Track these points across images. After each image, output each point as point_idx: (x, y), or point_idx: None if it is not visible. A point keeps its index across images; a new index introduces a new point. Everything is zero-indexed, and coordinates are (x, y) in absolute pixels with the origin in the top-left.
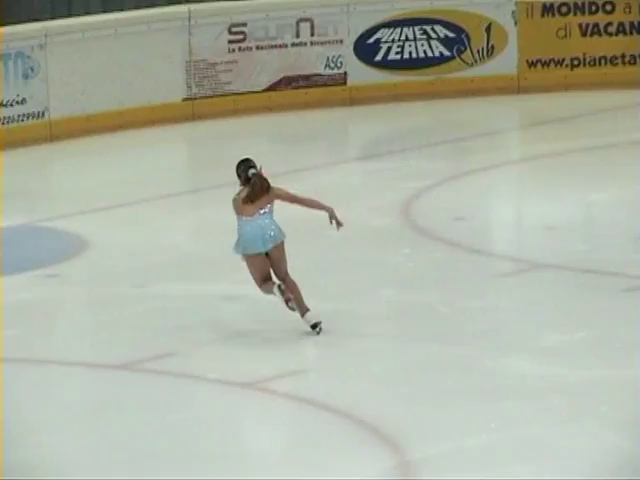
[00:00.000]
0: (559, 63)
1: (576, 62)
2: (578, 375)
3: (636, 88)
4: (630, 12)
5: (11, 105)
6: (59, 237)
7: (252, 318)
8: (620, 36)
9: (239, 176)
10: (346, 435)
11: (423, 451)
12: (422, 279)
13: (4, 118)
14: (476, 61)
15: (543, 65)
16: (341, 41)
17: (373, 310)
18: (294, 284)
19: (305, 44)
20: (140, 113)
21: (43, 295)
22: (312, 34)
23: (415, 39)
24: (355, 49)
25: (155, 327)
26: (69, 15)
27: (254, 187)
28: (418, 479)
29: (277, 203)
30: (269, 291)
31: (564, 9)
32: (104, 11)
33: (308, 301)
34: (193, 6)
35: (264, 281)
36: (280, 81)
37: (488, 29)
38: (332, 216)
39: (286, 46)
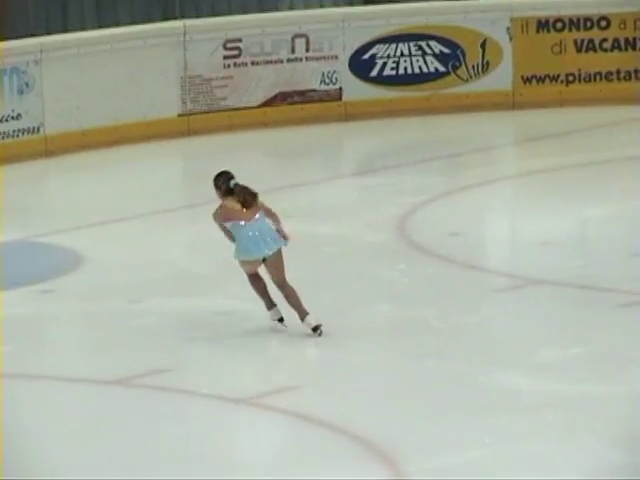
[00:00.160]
0: (554, 79)
1: (571, 78)
2: (573, 390)
3: (631, 104)
4: (625, 28)
5: (6, 120)
6: (54, 252)
7: (247, 333)
8: (615, 52)
9: (218, 188)
10: (341, 450)
11: (418, 466)
12: (417, 294)
13: None
14: (471, 77)
15: (538, 81)
16: (336, 57)
17: (368, 325)
18: (293, 290)
19: (300, 60)
20: (135, 128)
21: (38, 310)
22: (307, 50)
23: (410, 55)
24: (350, 65)
25: (150, 342)
26: (65, 30)
27: (244, 194)
28: None
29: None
30: (263, 298)
31: (559, 25)
32: (99, 27)
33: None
34: (188, 22)
35: (255, 277)
36: (275, 97)
37: (483, 45)
38: (283, 235)
39: (281, 62)
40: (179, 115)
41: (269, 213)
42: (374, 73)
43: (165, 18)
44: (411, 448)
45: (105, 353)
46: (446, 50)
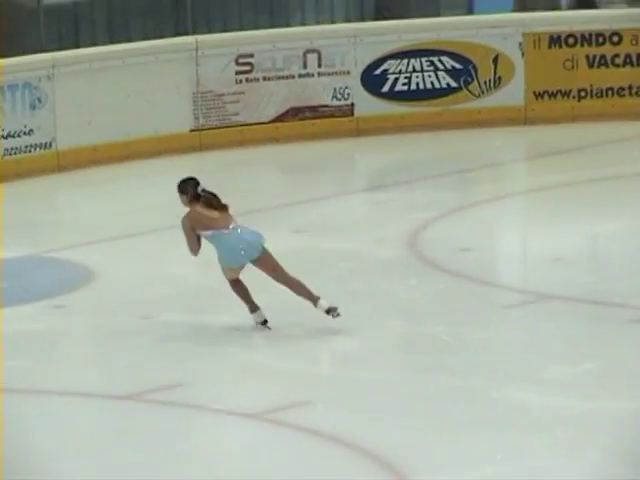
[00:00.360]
0: (566, 94)
1: (583, 93)
2: (584, 406)
3: None
4: (637, 43)
5: (18, 136)
6: (65, 268)
7: (258, 349)
8: (627, 67)
9: (186, 193)
10: (351, 465)
11: None
12: (428, 310)
13: (11, 149)
14: (483, 92)
15: (550, 96)
16: (348, 72)
17: (379, 341)
18: (299, 282)
19: (312, 75)
20: (147, 144)
21: (49, 326)
22: (319, 65)
23: (422, 70)
24: (362, 80)
25: (161, 358)
26: (76, 46)
27: (211, 198)
28: None
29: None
30: (246, 301)
31: (571, 40)
32: (111, 42)
33: (314, 333)
34: (200, 37)
35: (238, 282)
36: (287, 112)
37: (495, 60)
38: None
39: (293, 77)
40: (191, 130)
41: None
42: (386, 88)
43: (177, 33)
44: (421, 464)
45: (115, 368)
46: (458, 66)
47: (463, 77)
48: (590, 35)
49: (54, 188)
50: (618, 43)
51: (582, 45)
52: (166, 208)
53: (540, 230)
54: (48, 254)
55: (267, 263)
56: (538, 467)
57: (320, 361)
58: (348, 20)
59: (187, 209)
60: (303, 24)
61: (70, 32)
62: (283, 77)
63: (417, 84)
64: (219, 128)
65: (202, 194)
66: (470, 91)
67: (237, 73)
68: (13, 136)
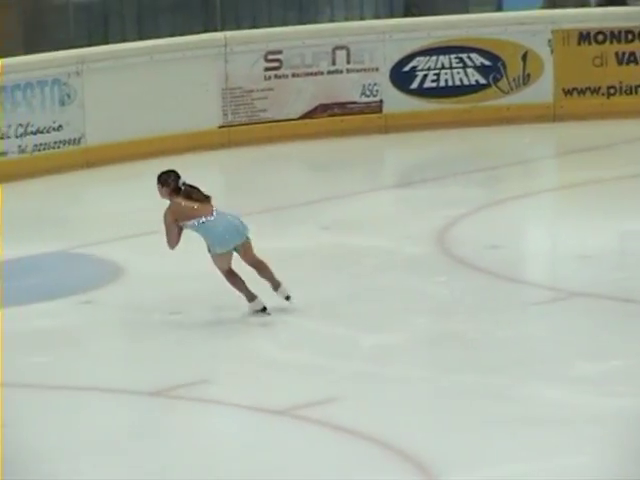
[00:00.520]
0: (595, 91)
1: (612, 90)
2: (612, 404)
3: None
4: None
5: (48, 132)
6: (94, 264)
7: (285, 346)
8: None
9: (167, 185)
10: (379, 463)
11: (456, 478)
12: (457, 307)
13: (40, 145)
14: (512, 89)
15: (579, 93)
16: (377, 69)
17: (407, 338)
18: (265, 264)
19: (341, 72)
20: (176, 140)
21: (77, 321)
22: (348, 62)
23: (451, 67)
24: (391, 77)
25: (188, 354)
26: (105, 42)
27: (191, 191)
28: None
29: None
30: (243, 291)
31: (600, 37)
32: (140, 38)
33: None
34: (229, 33)
35: (232, 273)
36: (316, 109)
37: (524, 57)
38: None
39: (322, 74)
40: (220, 127)
41: None
42: (414, 85)
43: (206, 30)
44: (449, 461)
45: (144, 364)
46: (487, 62)
47: (492, 74)
48: (619, 32)
49: (83, 184)
50: None
51: (611, 42)
52: None
53: (569, 227)
54: (77, 250)
55: (245, 245)
56: (565, 465)
57: (347, 357)
58: (377, 17)
59: (167, 202)
60: (332, 20)
61: (99, 28)
62: (312, 74)
63: (446, 81)
64: (248, 124)
65: (182, 187)
66: (499, 88)
67: (266, 69)
68: (42, 132)
